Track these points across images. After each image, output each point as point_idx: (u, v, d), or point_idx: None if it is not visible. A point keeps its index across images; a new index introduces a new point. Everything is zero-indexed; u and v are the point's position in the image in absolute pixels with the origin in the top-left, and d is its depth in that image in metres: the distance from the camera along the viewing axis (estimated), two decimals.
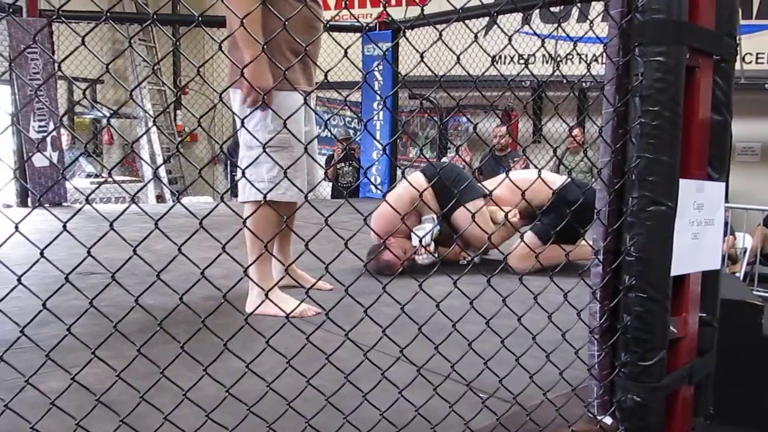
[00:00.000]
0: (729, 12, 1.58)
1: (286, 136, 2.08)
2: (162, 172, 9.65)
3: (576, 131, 6.98)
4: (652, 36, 1.40)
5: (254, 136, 1.87)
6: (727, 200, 1.64)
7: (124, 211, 1.04)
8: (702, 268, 1.58)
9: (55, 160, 5.65)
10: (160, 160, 9.33)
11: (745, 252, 6.18)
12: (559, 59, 6.93)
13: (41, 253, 0.92)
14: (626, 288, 1.45)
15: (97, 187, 1.16)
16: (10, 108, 5.55)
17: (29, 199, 5.91)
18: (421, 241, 3.10)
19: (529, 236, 3.12)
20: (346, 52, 1.18)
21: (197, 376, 1.14)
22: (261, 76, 2.13)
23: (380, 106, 6.61)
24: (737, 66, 1.78)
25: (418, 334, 1.29)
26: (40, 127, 5.62)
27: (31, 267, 0.97)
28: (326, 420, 1.24)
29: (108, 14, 1.04)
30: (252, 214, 2.19)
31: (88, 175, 7.36)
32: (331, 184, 7.68)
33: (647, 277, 1.43)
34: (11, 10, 5.60)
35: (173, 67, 10.52)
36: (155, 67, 9.19)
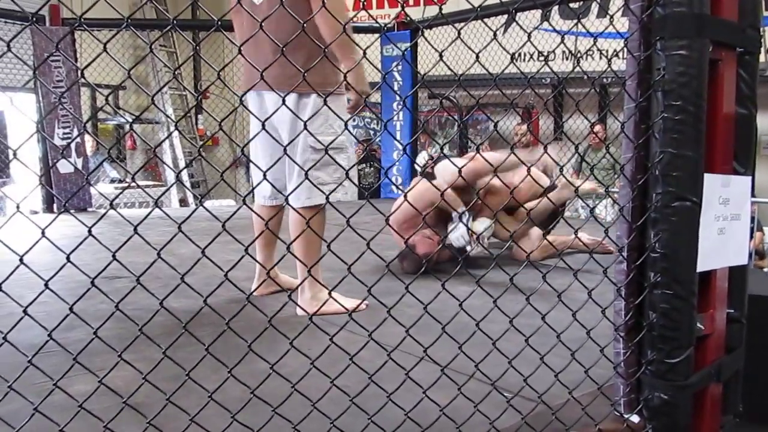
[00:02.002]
0: (752, 4, 1.55)
1: (343, 137, 2.23)
2: (184, 176, 9.74)
3: (597, 127, 6.90)
4: (673, 30, 1.38)
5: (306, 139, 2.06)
6: (753, 195, 1.62)
7: (148, 215, 1.05)
8: (729, 263, 1.56)
9: (79, 166, 5.72)
10: (182, 164, 9.41)
11: None
12: (579, 55, 6.87)
13: (67, 258, 0.93)
14: (651, 285, 1.44)
15: (121, 192, 1.17)
16: (35, 116, 5.63)
17: (55, 205, 6.00)
18: (478, 238, 3.12)
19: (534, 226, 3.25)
20: (365, 53, 1.19)
21: (222, 378, 1.15)
22: (364, 79, 2.20)
23: (400, 107, 6.60)
24: (761, 58, 1.75)
25: (441, 334, 1.28)
26: (64, 134, 5.69)
27: (58, 272, 0.98)
28: (351, 420, 1.25)
29: (129, 21, 1.06)
30: (314, 216, 2.18)
31: (112, 181, 7.44)
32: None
33: (673, 273, 1.41)
34: (34, 19, 5.68)
35: (194, 71, 10.61)
36: (176, 72, 9.28)
